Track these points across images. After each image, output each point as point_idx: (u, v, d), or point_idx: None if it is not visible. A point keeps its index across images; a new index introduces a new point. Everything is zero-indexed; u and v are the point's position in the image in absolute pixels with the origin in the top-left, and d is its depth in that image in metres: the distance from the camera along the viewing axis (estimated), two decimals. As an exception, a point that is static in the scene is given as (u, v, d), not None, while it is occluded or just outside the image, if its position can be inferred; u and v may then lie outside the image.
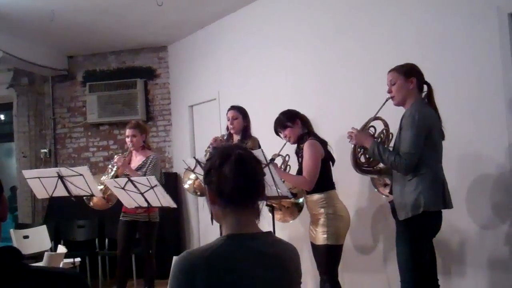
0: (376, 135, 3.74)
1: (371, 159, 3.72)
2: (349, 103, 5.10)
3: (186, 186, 5.37)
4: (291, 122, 4.25)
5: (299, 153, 4.26)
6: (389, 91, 3.57)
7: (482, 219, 4.04)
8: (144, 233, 5.35)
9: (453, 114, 4.16)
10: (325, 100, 5.31)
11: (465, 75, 4.12)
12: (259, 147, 4.86)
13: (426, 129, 3.37)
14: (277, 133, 4.37)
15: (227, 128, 5.15)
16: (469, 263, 4.15)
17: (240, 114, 5.05)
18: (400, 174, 3.46)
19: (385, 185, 3.94)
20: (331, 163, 4.25)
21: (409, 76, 3.50)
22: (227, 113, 5.14)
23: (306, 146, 4.11)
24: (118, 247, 5.48)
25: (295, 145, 4.33)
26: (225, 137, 5.14)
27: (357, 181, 4.83)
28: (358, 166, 3.74)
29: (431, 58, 4.31)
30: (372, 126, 3.76)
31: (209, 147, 5.03)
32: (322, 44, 5.53)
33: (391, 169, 3.56)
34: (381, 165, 3.79)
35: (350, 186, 4.93)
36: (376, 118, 3.73)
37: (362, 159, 3.75)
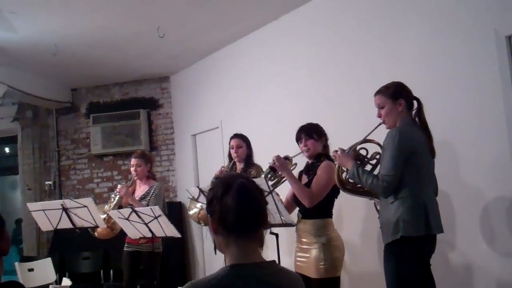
0: (369, 157, 3.68)
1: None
2: (354, 126, 5.09)
3: (190, 212, 5.31)
4: (317, 135, 4.11)
5: (310, 170, 4.10)
6: (379, 115, 3.51)
7: (489, 241, 4.01)
8: (148, 264, 5.31)
9: (453, 136, 4.18)
10: (329, 125, 5.30)
11: (464, 97, 4.13)
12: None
13: (407, 150, 3.27)
14: (298, 139, 4.17)
15: (229, 156, 5.11)
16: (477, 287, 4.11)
17: (244, 142, 5.03)
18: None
19: None
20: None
21: (397, 98, 3.43)
22: (230, 142, 5.09)
23: (324, 166, 3.95)
24: (124, 278, 5.46)
25: (305, 161, 4.21)
26: (229, 166, 5.10)
27: (363, 206, 4.81)
28: (343, 185, 3.67)
29: (430, 80, 4.34)
30: (364, 148, 3.69)
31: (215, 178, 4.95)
32: (324, 68, 5.57)
33: (372, 191, 3.49)
34: None
35: (357, 211, 4.92)
36: (366, 141, 3.66)
37: (351, 180, 3.65)
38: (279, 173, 4.08)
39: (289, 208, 4.09)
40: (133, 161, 5.50)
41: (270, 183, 3.98)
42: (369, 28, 5.03)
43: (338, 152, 3.59)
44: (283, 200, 4.19)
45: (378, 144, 3.69)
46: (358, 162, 3.59)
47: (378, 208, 3.73)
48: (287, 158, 4.11)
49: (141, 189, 5.51)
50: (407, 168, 3.27)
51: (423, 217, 3.25)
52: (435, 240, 3.38)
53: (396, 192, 3.29)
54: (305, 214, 4.01)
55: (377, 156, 3.68)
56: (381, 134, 3.51)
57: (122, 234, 5.30)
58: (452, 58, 4.24)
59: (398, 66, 4.66)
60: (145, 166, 5.49)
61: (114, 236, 5.46)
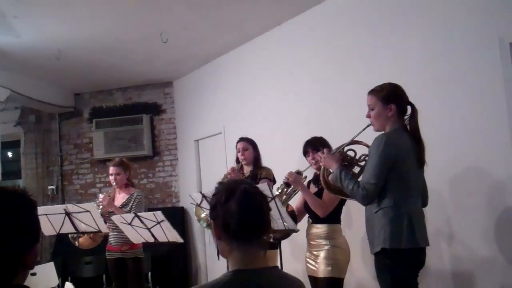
0: (357, 158, 3.61)
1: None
2: (357, 129, 5.07)
3: (202, 215, 5.16)
4: (323, 147, 4.07)
5: (319, 180, 4.11)
6: (368, 116, 3.37)
7: (488, 245, 4.00)
8: (133, 270, 5.36)
9: (456, 143, 4.17)
10: (332, 130, 5.31)
11: (468, 103, 4.13)
12: (273, 177, 4.85)
13: (392, 159, 3.11)
14: (305, 153, 4.34)
15: (237, 160, 5.07)
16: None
17: (250, 145, 5.01)
18: (369, 206, 3.25)
19: None
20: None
21: (388, 102, 3.25)
22: (236, 145, 5.07)
23: None
24: (115, 285, 5.52)
25: (312, 171, 4.33)
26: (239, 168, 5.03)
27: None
28: (328, 186, 3.58)
29: (433, 86, 4.35)
30: (352, 150, 3.63)
31: (226, 177, 4.87)
32: (327, 73, 5.58)
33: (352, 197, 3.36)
34: None
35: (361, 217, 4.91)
36: (354, 142, 3.57)
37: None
38: (292, 187, 4.24)
39: (299, 215, 4.40)
40: (111, 169, 5.51)
41: (284, 197, 4.20)
42: (373, 34, 5.03)
43: (324, 153, 3.50)
44: (294, 208, 4.41)
45: (367, 146, 3.60)
46: (345, 163, 3.51)
47: None
48: (298, 172, 4.25)
49: (120, 196, 5.52)
50: (391, 177, 3.14)
51: (407, 229, 3.10)
52: (424, 253, 3.23)
53: (379, 201, 3.16)
54: (316, 219, 4.18)
55: (366, 158, 3.55)
56: (371, 135, 3.40)
57: (103, 242, 5.37)
58: (456, 65, 4.24)
59: (401, 72, 4.64)
60: (124, 174, 5.51)
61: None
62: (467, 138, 4.13)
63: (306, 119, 5.75)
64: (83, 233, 5.11)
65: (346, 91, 5.29)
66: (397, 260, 3.10)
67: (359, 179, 3.35)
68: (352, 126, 5.13)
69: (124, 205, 5.41)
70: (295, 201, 4.49)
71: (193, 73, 8.07)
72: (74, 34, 6.14)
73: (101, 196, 5.44)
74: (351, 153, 3.65)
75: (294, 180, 4.13)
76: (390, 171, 3.13)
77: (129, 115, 8.53)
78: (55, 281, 6.30)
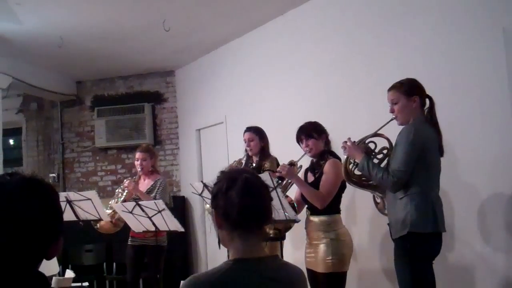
0: (377, 151, 3.66)
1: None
2: (358, 122, 5.07)
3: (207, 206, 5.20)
4: (317, 134, 4.12)
5: (316, 168, 4.13)
6: (392, 111, 3.49)
7: (494, 240, 4.00)
8: (153, 258, 5.31)
9: (461, 135, 4.16)
10: (333, 121, 5.29)
11: (472, 94, 4.12)
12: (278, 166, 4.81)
13: (420, 148, 3.29)
14: (299, 140, 4.19)
15: (245, 150, 5.07)
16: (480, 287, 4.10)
17: (256, 135, 4.96)
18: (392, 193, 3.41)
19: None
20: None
21: (411, 94, 3.42)
22: (243, 135, 5.04)
23: (330, 164, 3.99)
24: (128, 272, 5.46)
25: (309, 159, 4.24)
26: (244, 159, 5.02)
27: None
28: (349, 177, 3.66)
29: (437, 78, 4.31)
30: (373, 142, 3.67)
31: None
32: (329, 64, 5.55)
33: (380, 185, 3.52)
34: None
35: (366, 209, 4.90)
36: (377, 134, 3.65)
37: (357, 172, 3.65)
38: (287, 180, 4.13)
39: (299, 206, 4.21)
40: (138, 155, 5.48)
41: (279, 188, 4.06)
42: (377, 25, 5.01)
43: (348, 143, 3.58)
44: (293, 199, 4.28)
45: (387, 139, 3.68)
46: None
47: (378, 201, 3.82)
48: (292, 163, 4.14)
49: (145, 183, 5.50)
50: (418, 165, 3.29)
51: (431, 214, 3.27)
52: (441, 240, 3.37)
53: (405, 188, 3.31)
54: (314, 210, 4.04)
55: (384, 151, 3.66)
56: (391, 129, 3.52)
57: (125, 228, 5.30)
58: (460, 55, 4.22)
59: (405, 64, 4.63)
60: (150, 160, 5.48)
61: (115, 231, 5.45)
62: (472, 129, 4.12)
63: (309, 109, 5.72)
64: (83, 221, 5.10)
65: (350, 82, 5.27)
66: (418, 244, 3.26)
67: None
68: (355, 116, 5.15)
69: (149, 191, 5.38)
70: (294, 192, 4.39)
71: (195, 62, 8.04)
72: (76, 22, 6.11)
73: (126, 181, 5.41)
74: (371, 145, 3.69)
75: (287, 173, 3.98)
76: (418, 159, 3.29)
77: (131, 104, 8.50)
78: (56, 268, 6.31)
